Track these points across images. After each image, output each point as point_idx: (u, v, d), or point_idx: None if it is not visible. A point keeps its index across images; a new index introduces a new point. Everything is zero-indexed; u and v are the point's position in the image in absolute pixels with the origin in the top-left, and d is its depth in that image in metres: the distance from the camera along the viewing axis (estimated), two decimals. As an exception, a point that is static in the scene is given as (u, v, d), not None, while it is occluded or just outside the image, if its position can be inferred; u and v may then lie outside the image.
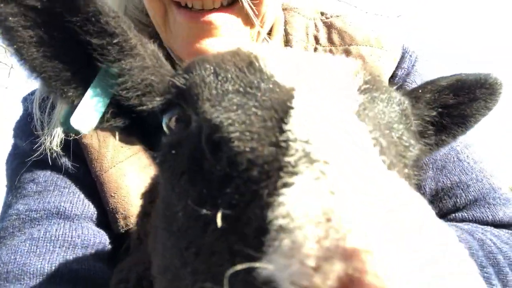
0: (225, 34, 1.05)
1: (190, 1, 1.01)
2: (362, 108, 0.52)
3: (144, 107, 0.63)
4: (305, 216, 0.34)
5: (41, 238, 1.02)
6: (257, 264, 0.34)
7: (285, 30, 1.31)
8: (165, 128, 0.61)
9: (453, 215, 1.21)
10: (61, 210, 1.08)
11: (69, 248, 1.02)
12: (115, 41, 0.60)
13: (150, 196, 0.90)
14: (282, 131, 0.46)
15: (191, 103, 0.56)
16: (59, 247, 1.02)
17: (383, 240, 0.30)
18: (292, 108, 0.48)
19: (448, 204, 1.22)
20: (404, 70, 1.30)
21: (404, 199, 0.35)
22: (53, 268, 0.98)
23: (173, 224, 0.54)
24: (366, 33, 1.31)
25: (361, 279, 0.28)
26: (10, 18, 0.57)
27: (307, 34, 1.31)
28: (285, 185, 0.39)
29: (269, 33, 1.26)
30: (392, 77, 1.28)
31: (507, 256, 1.07)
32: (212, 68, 0.58)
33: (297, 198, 0.36)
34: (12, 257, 0.99)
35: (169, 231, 0.56)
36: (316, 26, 1.35)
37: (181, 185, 0.54)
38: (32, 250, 1.00)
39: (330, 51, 1.28)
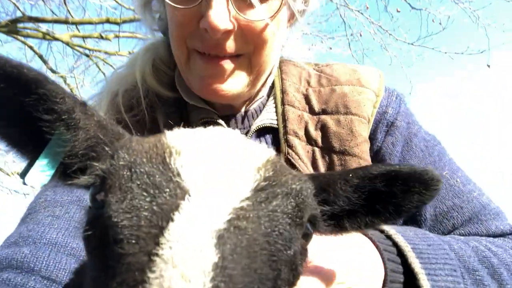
0: (230, 75, 1.35)
1: (208, 50, 1.31)
2: (235, 217, 0.57)
3: (76, 182, 0.73)
4: None
5: (61, 217, 1.26)
6: None
7: (281, 77, 1.58)
8: (89, 204, 0.70)
9: (452, 234, 1.41)
10: (83, 200, 1.32)
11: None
12: (61, 117, 0.71)
13: None
14: (157, 244, 0.53)
15: (105, 190, 0.64)
16: (73, 227, 1.24)
17: None
18: (172, 220, 0.55)
19: (448, 226, 1.42)
20: (394, 110, 1.52)
21: None
22: (65, 241, 1.20)
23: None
24: (349, 76, 1.54)
25: None
26: None
27: (300, 79, 1.58)
28: None
29: (266, 79, 1.54)
30: (384, 113, 1.50)
31: (501, 258, 1.25)
32: (128, 160, 0.66)
33: None
34: (35, 226, 1.23)
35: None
36: (308, 73, 1.58)
37: (89, 263, 0.67)
38: (52, 224, 1.23)
39: (319, 91, 1.53)
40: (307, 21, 1.64)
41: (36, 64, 9.59)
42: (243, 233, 0.57)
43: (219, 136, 0.74)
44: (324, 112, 1.48)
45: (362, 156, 1.41)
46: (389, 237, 1.11)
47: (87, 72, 9.58)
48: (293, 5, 1.40)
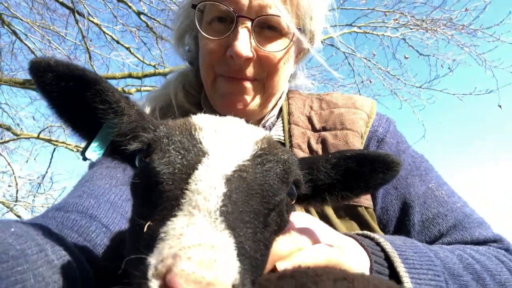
0: (248, 94, 1.64)
1: (231, 75, 1.62)
2: (238, 170, 0.80)
3: (128, 148, 0.94)
4: (172, 237, 0.66)
5: (117, 186, 1.53)
6: (148, 257, 0.65)
7: (288, 102, 1.88)
8: (136, 163, 0.92)
9: (440, 241, 1.52)
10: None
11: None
12: (112, 106, 0.94)
13: None
14: (186, 183, 0.76)
15: (149, 152, 0.87)
16: (126, 197, 1.49)
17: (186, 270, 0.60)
18: (196, 169, 0.78)
19: (434, 231, 1.54)
20: (384, 129, 1.77)
21: (206, 253, 0.63)
22: (121, 204, 1.45)
23: (130, 223, 0.89)
24: (346, 101, 1.83)
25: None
26: (48, 86, 0.90)
27: (304, 104, 1.88)
28: (174, 215, 0.70)
29: (276, 103, 1.85)
30: (375, 131, 1.76)
31: (484, 265, 1.34)
32: (166, 131, 0.89)
33: (173, 226, 0.68)
34: (96, 188, 1.48)
35: (129, 227, 0.91)
36: (311, 100, 1.88)
37: (136, 200, 0.89)
38: (110, 189, 1.50)
39: (320, 113, 1.80)
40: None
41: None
42: (243, 179, 0.79)
43: (230, 120, 0.99)
44: (323, 129, 1.74)
45: None
46: (378, 243, 1.19)
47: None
48: (300, 45, 1.77)
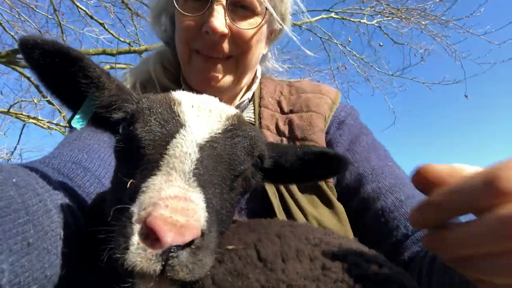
0: (221, 72, 1.73)
1: (206, 50, 1.69)
2: (210, 140, 0.92)
3: (113, 116, 1.03)
4: (152, 191, 0.76)
5: (106, 145, 1.62)
6: (130, 206, 0.76)
7: (260, 87, 1.99)
8: (120, 130, 1.01)
9: (398, 211, 1.53)
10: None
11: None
12: (93, 81, 1.02)
13: None
14: (165, 148, 0.86)
15: (132, 121, 0.97)
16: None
17: (163, 214, 0.70)
18: (175, 138, 0.88)
19: (391, 198, 1.57)
20: (346, 113, 1.91)
21: (180, 202, 0.74)
22: (111, 162, 1.54)
23: (113, 181, 1.00)
24: (313, 87, 1.96)
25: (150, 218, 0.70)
26: (36, 62, 0.97)
27: (275, 90, 1.99)
28: (154, 174, 0.81)
29: (250, 86, 1.98)
30: (338, 116, 1.88)
31: None
32: (148, 104, 0.99)
33: (153, 182, 0.78)
34: (86, 145, 1.56)
35: (111, 185, 1.02)
36: (282, 86, 2.00)
37: (119, 162, 1.00)
38: (100, 147, 1.59)
39: (289, 98, 1.93)
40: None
41: (32, 95, 9.87)
42: (214, 148, 0.92)
43: (206, 98, 1.11)
44: (291, 112, 1.85)
45: (318, 142, 1.73)
46: None
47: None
48: (272, 25, 1.88)
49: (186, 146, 0.86)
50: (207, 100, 1.07)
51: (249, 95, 1.96)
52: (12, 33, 9.12)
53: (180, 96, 1.05)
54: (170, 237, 0.67)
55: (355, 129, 1.86)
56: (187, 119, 0.95)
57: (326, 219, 1.54)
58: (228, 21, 1.64)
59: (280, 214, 1.55)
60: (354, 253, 0.88)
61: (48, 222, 0.89)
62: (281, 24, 1.87)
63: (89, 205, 1.29)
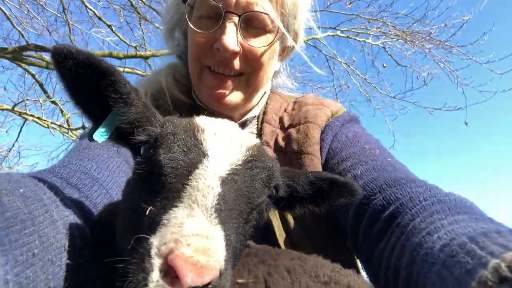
0: (232, 90, 1.74)
1: (218, 68, 1.70)
2: (231, 173, 0.92)
3: (136, 137, 1.03)
4: (173, 225, 0.77)
5: (116, 157, 1.63)
6: (150, 237, 0.76)
7: (266, 103, 2.00)
8: (141, 152, 1.02)
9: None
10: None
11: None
12: (122, 96, 1.02)
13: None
14: (188, 179, 0.87)
15: (156, 145, 0.98)
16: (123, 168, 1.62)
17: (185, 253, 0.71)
18: (197, 168, 0.89)
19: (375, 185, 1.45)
20: (339, 123, 1.86)
21: (202, 242, 0.75)
22: (120, 175, 1.56)
23: (128, 203, 0.99)
24: (315, 100, 1.96)
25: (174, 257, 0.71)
26: (67, 71, 0.96)
27: (280, 107, 2.02)
28: (175, 206, 0.82)
29: (260, 100, 1.97)
30: (328, 126, 1.83)
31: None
32: (173, 129, 1.00)
33: (175, 215, 0.79)
34: (95, 155, 1.57)
35: (125, 206, 1.02)
36: (288, 103, 2.01)
37: (137, 185, 0.98)
38: (110, 158, 1.60)
39: (291, 114, 1.91)
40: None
41: (35, 93, 9.87)
42: (234, 181, 0.92)
43: (228, 124, 1.12)
44: (290, 126, 1.86)
45: (314, 154, 1.73)
46: None
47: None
48: (284, 41, 1.88)
49: (209, 179, 0.87)
50: (229, 128, 1.09)
51: (256, 111, 1.97)
52: (20, 29, 9.14)
53: (203, 122, 1.06)
54: (190, 278, 0.69)
55: (337, 129, 1.83)
56: (209, 148, 0.96)
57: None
58: (240, 38, 1.65)
59: (281, 236, 1.56)
60: None
61: (54, 233, 0.89)
62: (293, 42, 1.88)
63: (96, 217, 1.29)
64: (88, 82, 0.99)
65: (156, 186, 0.90)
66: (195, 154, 0.94)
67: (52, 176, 1.34)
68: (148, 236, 0.77)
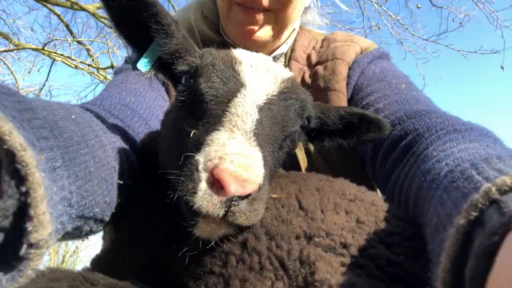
0: (261, 25, 1.73)
1: (247, 2, 1.68)
2: (267, 102, 0.99)
3: (177, 68, 1.11)
4: (216, 145, 0.86)
5: (152, 90, 1.76)
6: (196, 155, 0.86)
7: (294, 39, 1.97)
8: (183, 81, 1.10)
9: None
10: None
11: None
12: (164, 28, 1.07)
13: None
14: (227, 106, 0.95)
15: (196, 75, 1.05)
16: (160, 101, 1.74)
17: (229, 168, 0.80)
18: (236, 97, 0.96)
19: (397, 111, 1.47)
20: (368, 59, 1.83)
21: (244, 159, 0.83)
22: (156, 107, 1.69)
23: (172, 127, 1.07)
24: (345, 37, 1.93)
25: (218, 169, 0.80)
26: (113, 2, 1.03)
27: (309, 44, 1.97)
28: (217, 129, 0.90)
29: (289, 36, 1.93)
30: (356, 62, 1.81)
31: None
32: (212, 60, 1.06)
33: (217, 137, 0.88)
34: (133, 89, 1.68)
35: (169, 129, 1.10)
36: (316, 40, 1.98)
37: (180, 111, 1.07)
38: (146, 91, 1.71)
39: (319, 51, 1.90)
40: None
41: (61, 34, 9.94)
42: (270, 110, 1.00)
43: (264, 58, 1.17)
44: (317, 63, 1.86)
45: (341, 90, 1.74)
46: None
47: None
48: None
49: (247, 107, 0.94)
50: (264, 61, 1.14)
51: (284, 48, 1.97)
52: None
53: (240, 55, 1.11)
54: (234, 188, 0.79)
55: (364, 65, 1.81)
56: (247, 79, 1.02)
57: None
58: None
59: (305, 168, 1.64)
60: (384, 210, 0.97)
61: (104, 155, 0.98)
62: None
63: (139, 144, 1.40)
64: (132, 14, 1.05)
65: (198, 112, 0.99)
66: (234, 84, 1.00)
67: (96, 107, 1.43)
68: (194, 154, 0.87)
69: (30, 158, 0.54)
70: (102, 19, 9.21)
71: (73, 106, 1.10)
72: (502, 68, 9.70)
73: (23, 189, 0.53)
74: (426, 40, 10.37)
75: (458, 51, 10.06)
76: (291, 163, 1.65)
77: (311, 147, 1.67)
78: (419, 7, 10.35)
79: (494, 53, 9.42)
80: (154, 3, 1.04)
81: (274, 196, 0.97)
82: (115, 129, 1.22)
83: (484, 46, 9.76)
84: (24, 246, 0.54)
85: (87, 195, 0.85)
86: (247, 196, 0.83)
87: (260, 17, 1.72)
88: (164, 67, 1.14)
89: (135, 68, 1.10)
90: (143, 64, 1.09)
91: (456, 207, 0.72)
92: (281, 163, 1.15)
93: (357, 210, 0.93)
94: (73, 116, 0.93)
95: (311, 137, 1.30)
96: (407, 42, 10.76)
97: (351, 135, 1.29)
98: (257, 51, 1.84)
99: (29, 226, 0.54)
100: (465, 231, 0.59)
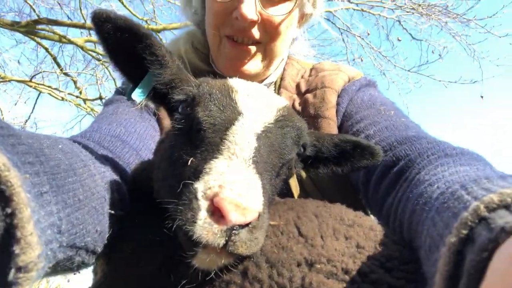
0: (250, 58, 1.77)
1: (237, 37, 1.73)
2: (265, 130, 1.00)
3: (174, 97, 1.12)
4: (215, 173, 0.85)
5: (143, 121, 1.73)
6: (194, 183, 0.85)
7: (284, 68, 2.01)
8: (180, 110, 1.10)
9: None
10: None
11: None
12: (158, 59, 1.09)
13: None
14: (225, 134, 0.95)
15: (193, 104, 1.06)
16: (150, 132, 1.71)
17: (229, 196, 0.79)
18: (234, 125, 0.97)
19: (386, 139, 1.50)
20: (356, 87, 1.86)
21: (243, 187, 0.83)
22: (147, 138, 1.66)
23: (168, 155, 1.06)
24: (333, 66, 1.97)
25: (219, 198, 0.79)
26: (107, 34, 1.04)
27: (298, 73, 2.00)
28: (216, 157, 0.90)
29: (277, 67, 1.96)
30: (345, 90, 1.84)
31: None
32: (209, 89, 1.08)
33: (216, 165, 0.88)
34: (123, 119, 1.66)
35: (165, 158, 1.09)
36: (305, 70, 2.01)
37: (177, 139, 1.06)
38: (137, 121, 1.69)
39: (308, 80, 1.92)
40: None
41: (48, 67, 9.99)
42: (268, 138, 1.01)
43: (259, 87, 1.19)
44: (306, 91, 1.89)
45: (331, 118, 1.77)
46: None
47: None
48: (303, 9, 1.87)
49: (245, 134, 0.95)
50: (260, 89, 1.16)
51: (273, 77, 2.00)
52: (31, 3, 9.14)
53: (237, 84, 1.13)
54: (234, 217, 0.78)
55: (352, 93, 1.83)
56: (244, 107, 1.03)
57: None
58: (258, 7, 1.65)
59: (298, 196, 1.64)
60: (382, 235, 0.97)
61: (94, 185, 0.96)
62: (312, 8, 1.88)
63: (131, 173, 1.38)
64: (126, 45, 1.06)
65: (196, 140, 0.99)
66: (231, 112, 1.01)
67: (85, 139, 1.41)
68: (192, 182, 0.86)
69: (15, 178, 0.53)
70: (90, 52, 9.33)
71: (61, 137, 1.08)
72: (482, 97, 10.06)
73: (9, 210, 0.51)
74: (408, 71, 10.74)
75: (439, 81, 10.43)
76: (283, 191, 1.65)
77: (303, 174, 1.67)
78: (400, 40, 10.78)
79: (474, 83, 9.79)
80: (148, 35, 1.06)
81: (272, 223, 0.96)
82: (105, 159, 1.21)
83: (464, 76, 10.15)
84: (12, 270, 0.52)
85: (78, 223, 0.82)
86: (247, 225, 0.82)
87: (249, 50, 1.75)
88: (159, 97, 1.15)
89: (130, 98, 1.10)
90: (138, 94, 1.10)
91: (447, 227, 0.73)
92: (278, 190, 1.14)
93: (356, 236, 0.93)
94: (60, 146, 0.92)
95: (307, 165, 1.30)
96: (390, 73, 11.12)
97: (345, 162, 1.31)
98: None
99: (16, 248, 0.52)
100: (457, 249, 0.61)
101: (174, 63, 1.14)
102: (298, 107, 1.84)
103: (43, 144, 0.81)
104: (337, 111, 1.80)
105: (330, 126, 1.74)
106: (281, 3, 1.71)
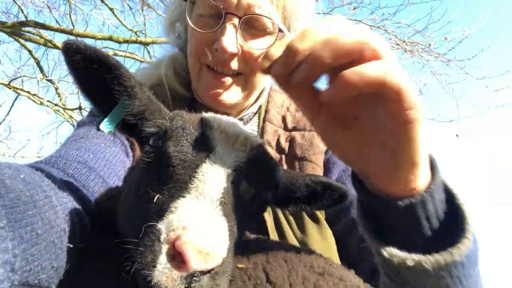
0: (229, 89, 1.75)
1: (216, 67, 1.71)
2: (236, 169, 0.97)
3: (146, 129, 1.08)
4: (180, 213, 0.81)
5: (113, 147, 1.66)
6: (158, 223, 0.81)
7: (267, 100, 2.01)
8: (150, 142, 1.06)
9: None
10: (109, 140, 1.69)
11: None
12: (127, 90, 1.06)
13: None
14: (195, 172, 0.92)
15: (165, 137, 1.03)
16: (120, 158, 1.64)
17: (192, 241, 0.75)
18: (204, 162, 0.94)
19: None
20: None
21: (208, 230, 0.80)
22: (117, 165, 1.59)
23: (135, 189, 1.02)
24: None
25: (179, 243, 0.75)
26: (76, 65, 1.00)
27: (282, 105, 1.99)
28: (183, 196, 0.86)
29: (258, 98, 1.97)
30: None
31: None
32: (182, 123, 1.05)
33: (182, 204, 0.84)
34: (92, 145, 1.60)
35: (131, 192, 1.04)
36: (290, 102, 1.99)
37: (145, 173, 1.02)
38: (106, 147, 1.62)
39: (294, 115, 1.92)
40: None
41: (30, 69, 9.78)
42: (238, 177, 0.97)
43: (235, 123, 1.16)
44: (294, 129, 1.88)
45: (316, 163, 1.76)
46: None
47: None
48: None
49: (215, 174, 0.92)
50: (236, 126, 1.14)
51: (254, 108, 1.98)
52: (20, 4, 9.01)
53: (212, 119, 1.11)
54: (195, 264, 0.74)
55: None
56: (216, 144, 1.01)
57: (312, 239, 1.57)
58: (239, 40, 1.65)
59: (273, 233, 1.60)
60: (352, 286, 0.94)
61: (54, 217, 0.92)
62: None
63: (95, 201, 1.33)
64: (96, 75, 1.03)
65: (164, 176, 0.95)
66: (203, 149, 0.99)
67: (49, 166, 1.37)
68: (155, 223, 0.82)
69: None
70: (75, 59, 9.15)
71: (23, 165, 1.04)
72: (457, 135, 10.37)
73: None
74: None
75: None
76: (258, 227, 1.61)
77: (279, 212, 1.65)
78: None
79: (450, 121, 10.11)
80: (116, 66, 1.03)
81: (240, 266, 0.92)
82: (68, 188, 1.16)
83: (441, 114, 10.47)
84: None
85: (33, 260, 0.78)
86: (209, 271, 0.78)
87: (229, 81, 1.74)
88: (129, 128, 1.12)
89: (98, 129, 1.06)
90: (106, 126, 1.06)
91: None
92: (247, 229, 1.12)
93: (326, 286, 0.90)
94: (22, 176, 0.89)
95: (277, 202, 1.28)
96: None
97: (314, 202, 1.29)
98: (226, 112, 1.86)
99: None
100: None
101: (144, 94, 1.11)
102: (284, 144, 1.83)
103: (4, 174, 0.80)
104: (325, 160, 1.81)
105: (315, 170, 1.74)
106: (262, 37, 1.72)
